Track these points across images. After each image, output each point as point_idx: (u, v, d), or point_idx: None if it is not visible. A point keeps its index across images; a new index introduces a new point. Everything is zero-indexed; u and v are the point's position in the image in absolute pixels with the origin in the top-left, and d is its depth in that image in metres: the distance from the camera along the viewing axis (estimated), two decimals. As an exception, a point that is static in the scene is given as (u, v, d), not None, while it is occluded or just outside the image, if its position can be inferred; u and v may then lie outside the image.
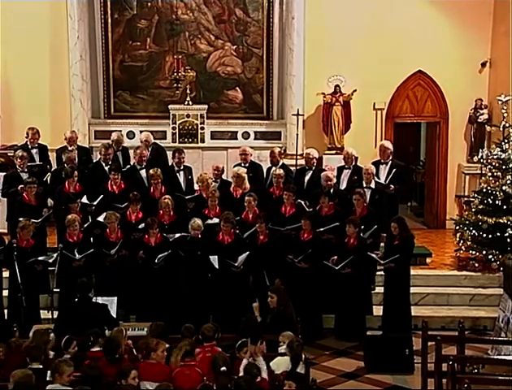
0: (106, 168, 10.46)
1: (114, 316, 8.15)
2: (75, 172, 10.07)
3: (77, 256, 9.02)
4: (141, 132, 12.55)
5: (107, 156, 10.57)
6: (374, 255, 9.34)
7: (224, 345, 7.01)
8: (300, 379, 6.15)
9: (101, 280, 9.11)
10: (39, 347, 6.58)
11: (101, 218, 9.50)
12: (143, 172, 10.47)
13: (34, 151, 10.90)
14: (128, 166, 10.81)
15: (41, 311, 9.24)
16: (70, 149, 10.87)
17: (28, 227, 9.03)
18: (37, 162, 10.81)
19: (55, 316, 8.72)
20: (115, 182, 10.08)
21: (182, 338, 6.93)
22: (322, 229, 9.55)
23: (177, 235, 9.46)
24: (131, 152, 11.11)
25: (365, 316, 9.49)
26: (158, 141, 11.50)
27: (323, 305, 9.50)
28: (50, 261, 9.10)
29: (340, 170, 10.79)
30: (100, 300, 8.26)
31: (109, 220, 9.26)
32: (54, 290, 9.06)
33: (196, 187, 10.38)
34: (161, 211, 9.65)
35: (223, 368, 6.16)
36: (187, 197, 10.15)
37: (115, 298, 8.38)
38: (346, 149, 11.09)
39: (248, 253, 9.21)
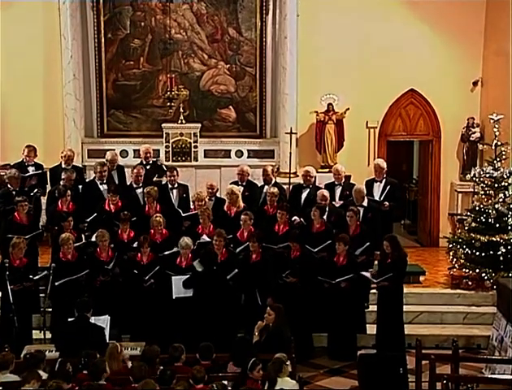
0: (101, 187, 10.46)
1: (108, 336, 8.07)
2: (68, 191, 10.05)
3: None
4: (134, 150, 12.64)
5: (103, 173, 10.57)
6: (366, 274, 9.34)
7: (221, 364, 6.99)
8: None
9: (93, 299, 9.04)
10: None
11: (94, 238, 9.47)
12: (139, 191, 10.47)
13: (31, 169, 10.89)
14: (124, 185, 10.81)
15: (34, 331, 9.18)
16: (64, 166, 10.86)
17: (19, 244, 8.96)
18: (35, 172, 10.77)
19: (47, 336, 8.67)
20: (113, 202, 10.07)
21: (170, 357, 6.90)
22: (315, 249, 9.55)
23: (167, 252, 9.45)
24: (127, 171, 11.13)
25: (357, 335, 9.47)
26: (151, 160, 11.47)
27: (316, 324, 9.47)
28: (35, 277, 9.04)
29: (330, 187, 10.75)
30: (93, 319, 8.18)
31: (100, 239, 9.23)
32: (46, 310, 9.00)
33: (191, 205, 10.37)
34: (152, 230, 9.63)
35: None
36: (183, 215, 10.14)
37: (108, 317, 8.31)
38: (335, 167, 11.12)
39: (236, 270, 9.20)
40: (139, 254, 9.31)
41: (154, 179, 10.81)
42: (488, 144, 11.37)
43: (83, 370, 6.80)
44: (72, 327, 7.86)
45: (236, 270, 9.21)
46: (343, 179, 10.82)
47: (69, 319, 8.05)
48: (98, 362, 6.69)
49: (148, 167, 11.03)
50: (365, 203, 10.22)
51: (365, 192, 10.34)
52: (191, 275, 9.16)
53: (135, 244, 9.51)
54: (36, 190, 10.53)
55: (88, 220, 9.97)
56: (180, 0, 12.71)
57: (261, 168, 11.30)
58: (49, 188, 10.87)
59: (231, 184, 10.72)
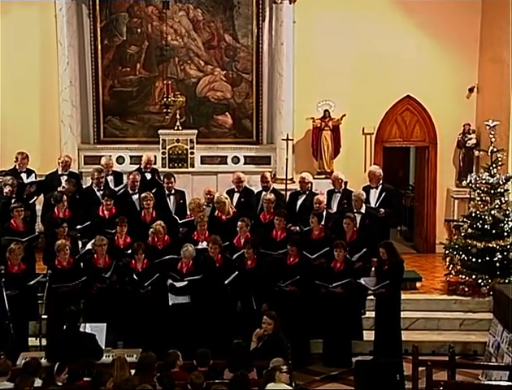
0: (98, 193, 10.46)
1: (104, 342, 8.04)
2: (64, 196, 10.04)
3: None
4: (130, 157, 12.64)
5: (100, 180, 10.57)
6: (363, 282, 9.33)
7: (218, 371, 6.98)
8: None
9: (90, 306, 9.03)
10: None
11: (90, 245, 9.45)
12: (135, 197, 10.46)
13: (24, 176, 10.89)
14: (121, 191, 10.79)
15: (30, 338, 9.15)
16: (61, 173, 10.86)
17: (15, 250, 8.93)
18: (34, 180, 10.76)
19: (44, 343, 8.64)
20: (107, 207, 10.06)
21: (165, 364, 6.88)
22: (313, 256, 9.55)
23: (165, 257, 9.44)
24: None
25: (353, 341, 9.46)
26: (149, 169, 11.44)
27: (311, 330, 9.46)
28: (30, 283, 9.02)
29: (330, 194, 10.82)
30: (89, 326, 8.16)
31: (99, 242, 9.19)
32: (43, 317, 8.98)
33: (188, 212, 10.37)
34: (155, 238, 9.60)
35: None
36: (180, 222, 10.14)
37: (104, 325, 8.28)
38: (334, 173, 11.15)
39: (236, 273, 9.19)
40: (133, 261, 9.29)
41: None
42: (484, 150, 11.39)
43: (83, 377, 6.78)
44: (63, 336, 7.83)
45: (237, 273, 9.20)
46: (342, 186, 10.83)
47: (64, 328, 8.03)
48: (103, 371, 6.65)
49: (148, 176, 11.01)
50: (363, 210, 10.22)
51: (365, 197, 10.34)
52: (188, 282, 9.14)
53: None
54: (35, 198, 10.54)
55: (80, 227, 9.93)
56: (176, 3, 12.73)
57: (257, 174, 11.32)
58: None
59: (227, 191, 10.72)
